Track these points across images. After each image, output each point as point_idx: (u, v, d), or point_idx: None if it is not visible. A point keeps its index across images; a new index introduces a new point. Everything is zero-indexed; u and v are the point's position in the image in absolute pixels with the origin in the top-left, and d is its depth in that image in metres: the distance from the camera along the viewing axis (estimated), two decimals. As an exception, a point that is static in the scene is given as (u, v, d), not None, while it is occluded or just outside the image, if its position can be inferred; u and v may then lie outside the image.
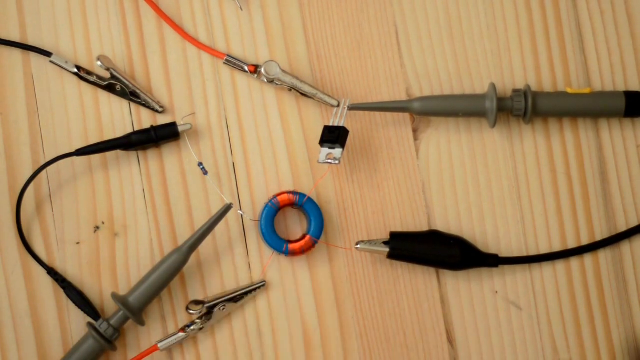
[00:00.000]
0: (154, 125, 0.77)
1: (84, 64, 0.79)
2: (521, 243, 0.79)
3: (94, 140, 0.78)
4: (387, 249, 0.76)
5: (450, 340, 0.78)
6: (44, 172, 0.77)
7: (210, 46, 0.79)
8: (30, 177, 0.76)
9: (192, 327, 0.76)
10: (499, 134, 0.80)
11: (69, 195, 0.78)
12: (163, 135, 0.77)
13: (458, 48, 0.81)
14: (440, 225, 0.79)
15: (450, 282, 0.79)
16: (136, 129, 0.78)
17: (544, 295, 0.79)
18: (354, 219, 0.79)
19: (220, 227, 0.77)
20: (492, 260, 0.77)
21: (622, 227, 0.80)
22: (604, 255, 0.79)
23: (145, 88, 0.79)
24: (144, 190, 0.78)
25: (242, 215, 0.78)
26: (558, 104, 0.78)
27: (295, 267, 0.78)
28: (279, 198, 0.77)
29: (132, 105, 0.79)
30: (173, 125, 0.77)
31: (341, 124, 0.76)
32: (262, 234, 0.77)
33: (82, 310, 0.75)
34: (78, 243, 0.77)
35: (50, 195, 0.78)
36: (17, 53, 0.79)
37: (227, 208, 0.75)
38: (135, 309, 0.74)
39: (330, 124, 0.76)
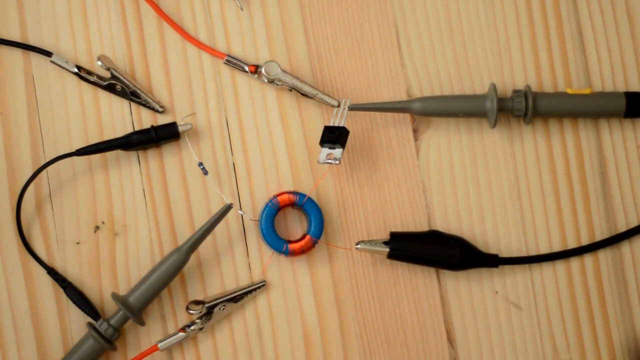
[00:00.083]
0: (154, 125, 0.77)
1: (85, 63, 0.79)
2: (521, 243, 0.79)
3: (94, 140, 0.78)
4: (387, 249, 0.76)
5: (450, 340, 0.78)
6: (44, 172, 0.77)
7: (210, 46, 0.79)
8: (30, 177, 0.76)
9: (192, 327, 0.76)
10: (499, 134, 0.80)
11: (69, 195, 0.78)
12: (163, 135, 0.77)
13: (458, 48, 0.81)
14: (440, 225, 0.79)
15: (450, 282, 0.79)
16: (136, 129, 0.78)
17: (544, 295, 0.79)
18: (354, 219, 0.79)
19: (220, 227, 0.77)
20: (492, 260, 0.77)
21: (622, 227, 0.80)
22: (604, 255, 0.79)
23: (145, 88, 0.79)
24: (144, 190, 0.78)
25: (242, 215, 0.78)
26: (558, 104, 0.78)
27: (295, 267, 0.78)
28: (279, 198, 0.77)
29: (133, 105, 0.79)
30: (173, 125, 0.77)
31: (341, 124, 0.76)
32: (262, 234, 0.77)
33: (82, 310, 0.75)
34: (78, 243, 0.77)
35: (50, 195, 0.78)
36: (17, 53, 0.79)
37: (227, 208, 0.75)
38: (135, 309, 0.74)
39: (331, 124, 0.76)
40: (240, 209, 0.78)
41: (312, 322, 0.78)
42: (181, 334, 0.76)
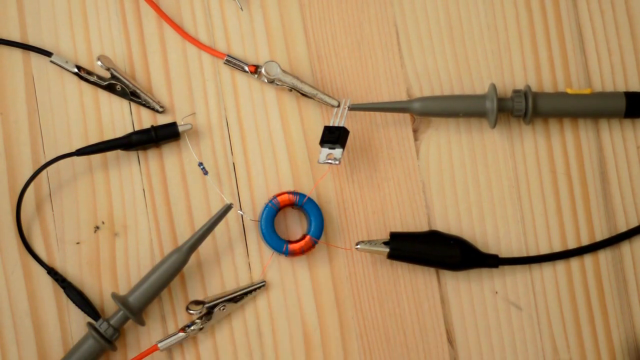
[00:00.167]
0: (154, 125, 0.77)
1: (84, 63, 0.79)
2: (521, 243, 0.79)
3: (94, 140, 0.78)
4: (387, 249, 0.76)
5: (450, 340, 0.78)
6: (44, 172, 0.77)
7: (210, 46, 0.79)
8: (30, 177, 0.76)
9: (192, 327, 0.76)
10: (499, 134, 0.80)
11: (69, 195, 0.78)
12: (163, 135, 0.77)
13: (458, 48, 0.81)
14: (440, 225, 0.79)
15: (450, 282, 0.79)
16: (136, 129, 0.78)
17: (544, 296, 0.79)
18: (354, 219, 0.79)
19: (220, 227, 0.77)
20: (492, 261, 0.77)
21: (622, 227, 0.80)
22: (604, 255, 0.79)
23: (145, 88, 0.79)
24: (144, 190, 0.78)
25: (242, 215, 0.78)
26: (558, 104, 0.78)
27: (295, 267, 0.78)
28: (279, 198, 0.77)
29: (133, 105, 0.79)
30: (173, 125, 0.77)
31: (341, 124, 0.76)
32: (262, 234, 0.77)
33: (82, 310, 0.75)
34: (78, 243, 0.77)
35: (50, 195, 0.78)
36: (17, 53, 0.79)
37: (227, 208, 0.75)
38: (135, 309, 0.74)
39: (331, 124, 0.76)
40: (240, 209, 0.78)
41: (312, 322, 0.78)
42: (181, 334, 0.76)
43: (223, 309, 0.76)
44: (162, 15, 0.79)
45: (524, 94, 0.78)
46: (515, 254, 0.79)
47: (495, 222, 0.79)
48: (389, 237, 0.77)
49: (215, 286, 0.78)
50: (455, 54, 0.81)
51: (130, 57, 0.79)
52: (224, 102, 0.79)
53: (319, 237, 0.77)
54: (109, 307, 0.77)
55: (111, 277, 0.77)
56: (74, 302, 0.76)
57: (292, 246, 0.76)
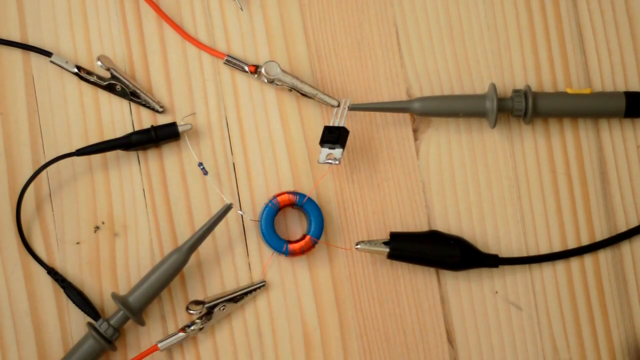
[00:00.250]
0: (154, 125, 0.77)
1: (84, 64, 0.79)
2: (521, 243, 0.79)
3: (94, 140, 0.78)
4: (387, 249, 0.76)
5: (450, 340, 0.78)
6: (44, 172, 0.77)
7: (210, 46, 0.79)
8: (30, 177, 0.76)
9: (192, 327, 0.76)
10: (499, 134, 0.80)
11: (69, 195, 0.78)
12: (163, 135, 0.77)
13: (458, 48, 0.81)
14: (440, 225, 0.79)
15: (450, 282, 0.79)
16: (136, 129, 0.78)
17: (544, 295, 0.79)
18: (354, 219, 0.79)
19: (220, 227, 0.77)
20: (492, 261, 0.77)
21: (622, 227, 0.80)
22: (604, 255, 0.79)
23: (145, 88, 0.79)
24: (144, 190, 0.78)
25: (242, 215, 0.78)
26: (558, 104, 0.78)
27: (295, 267, 0.78)
28: (279, 198, 0.77)
29: (132, 105, 0.79)
30: (173, 125, 0.77)
31: (341, 124, 0.76)
32: (262, 234, 0.77)
33: (82, 310, 0.75)
34: (78, 243, 0.77)
35: (50, 195, 0.78)
36: (17, 53, 0.79)
37: (227, 208, 0.75)
38: (135, 309, 0.74)
39: (331, 124, 0.76)
40: (240, 209, 0.78)
41: (312, 322, 0.78)
42: (181, 334, 0.76)
43: (223, 309, 0.76)
44: (162, 15, 0.79)
45: (524, 93, 0.78)
46: (515, 254, 0.79)
47: (495, 222, 0.79)
48: (389, 237, 0.77)
49: (215, 286, 0.78)
50: (455, 54, 0.81)
51: (130, 57, 0.79)
52: (224, 102, 0.79)
53: (319, 237, 0.77)
54: (109, 307, 0.77)
55: (111, 277, 0.77)
56: (74, 302, 0.76)
57: (292, 246, 0.76)
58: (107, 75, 0.78)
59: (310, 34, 0.80)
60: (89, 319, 0.76)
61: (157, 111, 0.79)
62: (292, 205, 0.77)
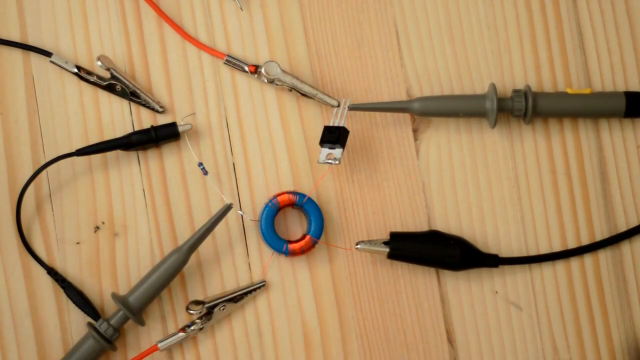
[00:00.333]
0: (154, 125, 0.77)
1: (84, 64, 0.79)
2: (521, 243, 0.79)
3: (94, 140, 0.78)
4: (387, 249, 0.76)
5: (450, 340, 0.78)
6: (44, 172, 0.77)
7: (210, 46, 0.79)
8: (30, 177, 0.76)
9: (192, 327, 0.76)
10: (499, 134, 0.80)
11: (69, 195, 0.78)
12: (163, 135, 0.77)
13: (458, 48, 0.81)
14: (440, 225, 0.79)
15: (450, 282, 0.79)
16: (136, 129, 0.78)
17: (544, 295, 0.79)
18: (354, 219, 0.79)
19: (220, 227, 0.77)
20: (492, 261, 0.77)
21: (622, 227, 0.80)
22: (604, 255, 0.79)
23: (145, 88, 0.79)
24: (144, 190, 0.78)
25: (242, 215, 0.78)
26: (558, 104, 0.78)
27: (295, 267, 0.78)
28: (279, 198, 0.77)
29: (132, 105, 0.79)
30: (173, 125, 0.77)
31: (341, 124, 0.76)
32: (262, 234, 0.77)
33: (82, 310, 0.75)
34: (78, 243, 0.77)
35: (50, 195, 0.78)
36: (17, 53, 0.79)
37: (227, 208, 0.75)
38: (135, 309, 0.74)
39: (331, 124, 0.76)
40: (240, 209, 0.78)
41: (312, 322, 0.78)
42: (181, 334, 0.76)
43: (223, 309, 0.76)
44: (162, 15, 0.79)
45: (524, 93, 0.78)
46: (515, 253, 0.79)
47: (495, 222, 0.79)
48: (389, 237, 0.77)
49: (215, 286, 0.78)
50: (455, 54, 0.81)
51: (130, 57, 0.79)
52: (224, 102, 0.79)
53: (319, 237, 0.77)
54: (109, 307, 0.77)
55: (111, 277, 0.77)
56: (74, 302, 0.76)
57: (292, 246, 0.76)
58: (107, 75, 0.78)
59: (310, 34, 0.80)
60: (89, 319, 0.76)
61: (157, 111, 0.79)
62: (292, 205, 0.77)
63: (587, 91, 0.78)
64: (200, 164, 0.78)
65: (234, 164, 0.79)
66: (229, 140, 0.79)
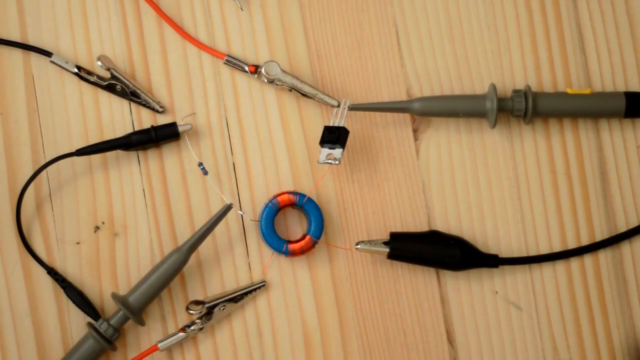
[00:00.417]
0: (154, 125, 0.77)
1: (84, 64, 0.79)
2: (521, 243, 0.79)
3: (94, 140, 0.78)
4: (387, 249, 0.76)
5: (450, 340, 0.78)
6: (44, 172, 0.77)
7: (210, 46, 0.79)
8: (30, 177, 0.76)
9: (192, 327, 0.76)
10: (499, 134, 0.80)
11: (69, 195, 0.78)
12: (163, 135, 0.77)
13: (458, 48, 0.81)
14: (440, 225, 0.79)
15: (450, 282, 0.79)
16: (136, 129, 0.78)
17: (544, 295, 0.79)
18: (354, 219, 0.79)
19: (220, 227, 0.77)
20: (492, 261, 0.77)
21: (622, 227, 0.80)
22: (604, 255, 0.79)
23: (145, 88, 0.79)
24: (144, 190, 0.78)
25: (242, 215, 0.78)
26: (558, 104, 0.78)
27: (295, 267, 0.78)
28: (279, 198, 0.77)
29: (132, 105, 0.79)
30: (173, 125, 0.77)
31: (341, 124, 0.76)
32: (262, 234, 0.77)
33: (82, 310, 0.75)
34: (78, 243, 0.77)
35: (50, 195, 0.78)
36: (17, 53, 0.79)
37: (227, 208, 0.75)
38: (135, 309, 0.74)
39: (331, 124, 0.76)
40: (240, 209, 0.78)
41: (312, 322, 0.78)
42: (181, 334, 0.76)
43: (223, 309, 0.76)
44: (162, 15, 0.79)
45: (524, 94, 0.78)
46: (515, 254, 0.79)
47: (495, 222, 0.79)
48: (389, 237, 0.77)
49: (215, 286, 0.78)
50: (455, 54, 0.81)
51: (130, 57, 0.79)
52: (224, 102, 0.79)
53: (319, 237, 0.77)
54: (109, 307, 0.77)
55: (111, 277, 0.77)
56: (74, 302, 0.76)
57: (292, 246, 0.76)
58: (107, 75, 0.78)
59: (310, 34, 0.80)
60: (89, 319, 0.76)
61: (157, 111, 0.79)
62: (292, 205, 0.77)
63: (587, 91, 0.78)
64: (200, 164, 0.78)
65: (234, 164, 0.79)
66: (229, 140, 0.79)
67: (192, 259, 0.76)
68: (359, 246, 0.76)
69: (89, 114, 0.78)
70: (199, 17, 0.80)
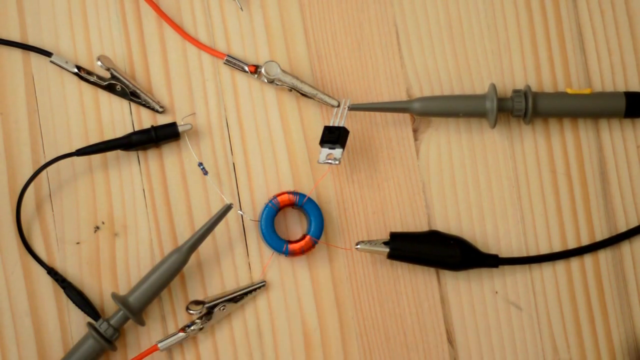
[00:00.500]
0: (154, 125, 0.77)
1: (84, 64, 0.79)
2: (521, 243, 0.79)
3: (94, 140, 0.78)
4: (387, 249, 0.76)
5: (450, 340, 0.78)
6: (44, 172, 0.77)
7: (210, 46, 0.79)
8: (30, 177, 0.76)
9: (192, 327, 0.76)
10: (499, 134, 0.80)
11: (69, 195, 0.78)
12: (163, 135, 0.77)
13: (458, 48, 0.81)
14: (440, 225, 0.79)
15: (450, 282, 0.79)
16: (136, 129, 0.78)
17: (544, 295, 0.79)
18: (354, 219, 0.79)
19: (220, 227, 0.77)
20: (492, 261, 0.77)
21: (622, 227, 0.80)
22: (604, 255, 0.79)
23: (145, 88, 0.79)
24: (144, 190, 0.78)
25: (242, 215, 0.78)
26: (558, 104, 0.78)
27: (295, 267, 0.78)
28: (279, 198, 0.77)
29: (132, 105, 0.79)
30: (173, 125, 0.77)
31: (341, 124, 0.76)
32: (262, 234, 0.77)
33: (82, 310, 0.75)
34: (78, 243, 0.77)
35: (50, 195, 0.78)
36: (17, 53, 0.79)
37: (227, 208, 0.75)
38: (135, 309, 0.74)
39: (331, 124, 0.76)
40: (240, 209, 0.78)
41: (312, 322, 0.78)
42: (181, 334, 0.76)
43: (223, 309, 0.76)
44: (162, 15, 0.79)
45: (524, 94, 0.78)
46: (515, 254, 0.79)
47: (495, 222, 0.79)
48: (389, 237, 0.77)
49: (215, 286, 0.78)
50: (455, 54, 0.81)
51: (130, 57, 0.79)
52: (224, 102, 0.79)
53: (319, 237, 0.77)
54: (109, 307, 0.77)
55: (111, 277, 0.77)
56: (74, 302, 0.76)
57: (292, 246, 0.76)
58: (107, 75, 0.78)
59: (310, 34, 0.80)
60: (89, 319, 0.76)
61: (157, 111, 0.79)
62: (292, 205, 0.77)
63: (587, 91, 0.78)
64: (200, 164, 0.78)
65: (234, 164, 0.79)
66: (229, 140, 0.79)
67: (192, 259, 0.76)
68: (359, 246, 0.76)
69: (89, 114, 0.78)
70: (199, 17, 0.80)
